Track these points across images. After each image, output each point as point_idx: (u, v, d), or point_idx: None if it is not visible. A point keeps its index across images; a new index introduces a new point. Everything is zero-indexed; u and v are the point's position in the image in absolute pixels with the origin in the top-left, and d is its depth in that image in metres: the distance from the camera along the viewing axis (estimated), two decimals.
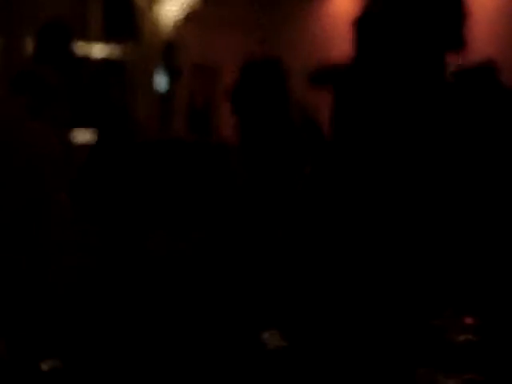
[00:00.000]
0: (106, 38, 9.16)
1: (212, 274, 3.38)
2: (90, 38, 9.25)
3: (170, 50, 10.12)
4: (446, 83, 2.52)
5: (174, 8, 10.22)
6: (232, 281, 3.13)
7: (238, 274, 3.22)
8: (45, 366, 1.98)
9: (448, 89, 2.53)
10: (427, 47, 2.46)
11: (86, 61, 9.03)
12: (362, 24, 2.86)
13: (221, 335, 2.44)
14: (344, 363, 1.93)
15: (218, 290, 3.03)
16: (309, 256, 2.44)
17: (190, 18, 10.48)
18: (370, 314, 2.04)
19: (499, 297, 2.41)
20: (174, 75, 10.33)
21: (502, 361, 2.10)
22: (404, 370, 1.91)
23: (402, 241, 2.30)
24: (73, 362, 2.06)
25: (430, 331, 2.11)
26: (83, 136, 6.06)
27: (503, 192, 2.94)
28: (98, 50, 9.29)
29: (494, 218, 2.81)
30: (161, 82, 10.41)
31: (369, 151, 2.42)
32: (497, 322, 2.27)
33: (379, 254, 2.23)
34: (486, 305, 2.36)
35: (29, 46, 8.29)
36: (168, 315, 2.72)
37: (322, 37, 10.63)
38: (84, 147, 6.24)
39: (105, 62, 9.24)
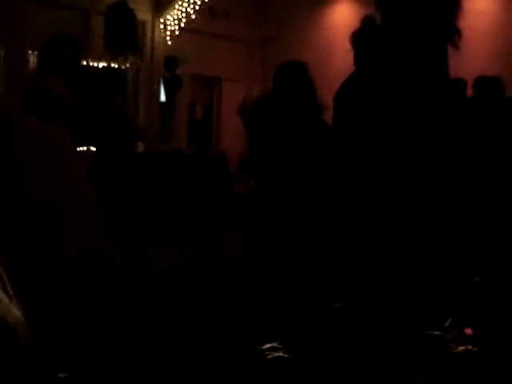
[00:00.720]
0: (107, 50, 9.20)
1: (214, 285, 3.39)
2: (91, 50, 9.30)
3: (170, 62, 10.16)
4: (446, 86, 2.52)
5: (175, 20, 10.27)
6: (235, 292, 3.14)
7: (241, 285, 3.23)
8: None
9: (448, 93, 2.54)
10: (426, 44, 2.47)
11: (88, 73, 9.06)
12: (361, 37, 2.87)
13: (223, 346, 2.45)
14: (344, 371, 1.94)
15: (221, 302, 3.04)
16: (310, 266, 2.46)
17: (190, 30, 10.52)
18: (371, 325, 2.06)
19: (498, 306, 2.42)
20: (174, 86, 10.36)
21: (500, 370, 2.12)
22: (403, 379, 1.92)
23: (402, 251, 2.31)
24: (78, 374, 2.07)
25: (429, 341, 2.12)
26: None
27: (504, 202, 2.95)
28: (100, 62, 9.33)
29: (494, 225, 2.82)
30: (162, 92, 10.45)
31: (371, 154, 2.44)
32: (496, 332, 2.28)
33: (380, 263, 2.24)
34: (486, 316, 2.37)
35: (30, 57, 8.34)
36: (171, 326, 2.73)
37: (322, 47, 10.66)
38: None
39: (106, 74, 9.28)
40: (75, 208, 1.01)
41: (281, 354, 2.19)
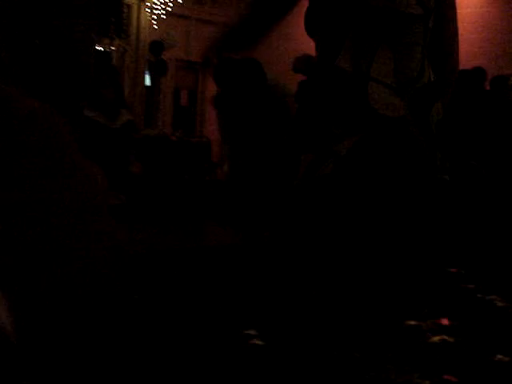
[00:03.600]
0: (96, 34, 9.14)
1: (192, 271, 3.39)
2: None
3: (156, 46, 10.12)
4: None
5: (161, 4, 10.21)
6: (218, 281, 3.15)
7: (225, 272, 3.24)
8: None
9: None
10: None
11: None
12: None
13: (205, 332, 2.47)
14: (323, 359, 1.96)
15: (202, 289, 3.05)
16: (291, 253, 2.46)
17: (177, 14, 10.48)
18: (346, 314, 2.07)
19: (473, 297, 2.45)
20: (160, 71, 10.33)
21: (476, 361, 2.14)
22: (379, 367, 1.94)
23: (379, 240, 2.33)
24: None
25: (405, 331, 2.14)
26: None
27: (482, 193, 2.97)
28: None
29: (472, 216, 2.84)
30: (147, 77, 10.42)
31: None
32: (471, 322, 2.30)
33: (358, 252, 2.25)
34: (461, 306, 2.40)
35: None
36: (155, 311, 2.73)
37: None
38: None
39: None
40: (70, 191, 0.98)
41: (259, 341, 2.20)
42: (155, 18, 10.26)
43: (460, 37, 2.60)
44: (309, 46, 3.01)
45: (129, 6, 9.92)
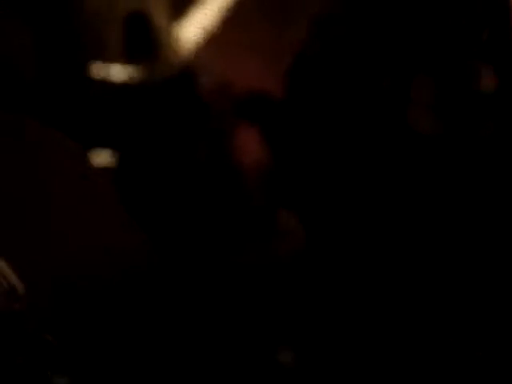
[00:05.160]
0: (125, 59, 9.24)
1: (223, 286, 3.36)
2: (109, 59, 9.32)
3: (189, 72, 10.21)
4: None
5: (194, 29, 10.30)
6: (247, 296, 3.11)
7: (251, 287, 3.20)
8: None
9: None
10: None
11: (105, 83, 9.09)
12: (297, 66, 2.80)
13: (236, 351, 2.43)
14: (353, 376, 1.91)
15: (233, 304, 3.01)
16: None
17: (210, 40, 10.55)
18: (378, 324, 2.02)
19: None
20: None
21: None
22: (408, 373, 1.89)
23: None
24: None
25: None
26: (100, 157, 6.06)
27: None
28: (117, 72, 9.37)
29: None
30: None
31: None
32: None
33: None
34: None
35: None
36: (181, 329, 2.69)
37: None
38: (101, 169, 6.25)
39: (124, 84, 9.32)
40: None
41: (292, 357, 2.16)
42: (190, 41, 10.35)
43: None
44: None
45: (161, 30, 10.03)
